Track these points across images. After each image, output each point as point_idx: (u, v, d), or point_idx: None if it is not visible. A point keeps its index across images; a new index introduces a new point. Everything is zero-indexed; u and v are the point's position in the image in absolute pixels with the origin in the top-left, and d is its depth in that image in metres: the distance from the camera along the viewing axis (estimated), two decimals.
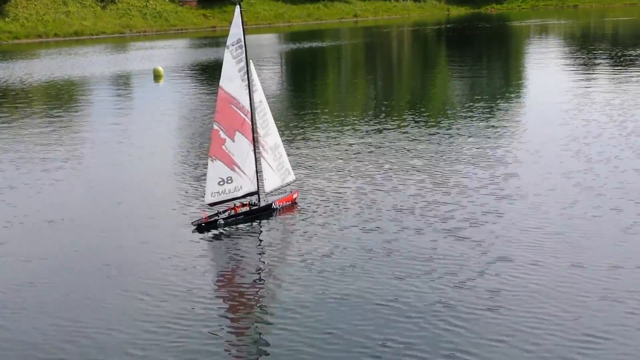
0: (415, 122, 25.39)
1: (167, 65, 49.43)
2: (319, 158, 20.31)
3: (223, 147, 15.03)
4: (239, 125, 15.09)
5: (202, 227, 14.62)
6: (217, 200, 15.16)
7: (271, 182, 15.69)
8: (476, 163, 18.73)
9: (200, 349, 9.73)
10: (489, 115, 25.99)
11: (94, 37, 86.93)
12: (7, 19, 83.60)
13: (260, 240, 14.35)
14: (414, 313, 10.38)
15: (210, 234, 14.41)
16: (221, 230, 14.57)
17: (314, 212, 15.29)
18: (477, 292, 10.96)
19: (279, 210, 15.52)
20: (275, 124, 15.97)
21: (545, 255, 12.29)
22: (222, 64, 15.08)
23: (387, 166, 18.88)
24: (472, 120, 25.14)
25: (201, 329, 10.29)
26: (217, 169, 15.03)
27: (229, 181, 15.16)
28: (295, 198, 16.03)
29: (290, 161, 16.38)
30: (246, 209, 15.40)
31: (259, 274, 12.49)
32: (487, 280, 11.39)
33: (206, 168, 15.38)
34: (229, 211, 15.21)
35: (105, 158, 22.06)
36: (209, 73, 45.16)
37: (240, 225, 14.89)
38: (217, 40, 74.71)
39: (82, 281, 12.32)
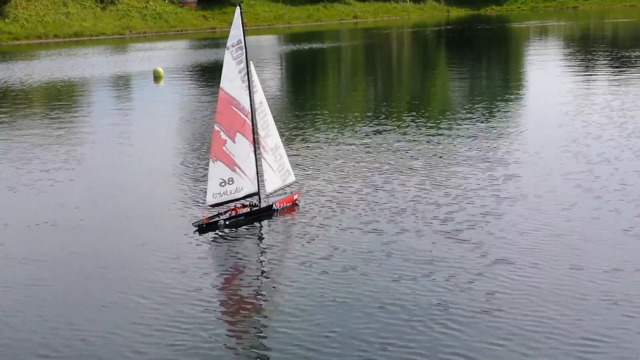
0: (415, 123, 25.41)
1: (167, 66, 49.48)
2: (319, 159, 20.33)
3: (224, 148, 15.05)
4: (240, 126, 15.11)
5: (203, 228, 14.64)
6: (219, 202, 15.18)
7: (272, 183, 15.71)
8: (476, 164, 18.75)
9: (200, 351, 9.74)
10: (488, 117, 26.01)
11: (94, 38, 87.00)
12: (7, 20, 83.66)
13: (261, 241, 14.37)
14: (413, 315, 10.40)
15: (211, 235, 14.42)
16: (222, 232, 14.59)
17: (315, 213, 15.31)
18: (476, 295, 10.97)
19: (280, 211, 15.54)
20: (276, 124, 15.99)
21: (545, 258, 12.30)
22: (222, 65, 15.10)
23: (387, 167, 18.89)
24: (471, 121, 25.16)
25: (201, 331, 10.30)
26: (218, 170, 15.05)
27: (230, 182, 15.18)
28: (296, 199, 16.05)
29: (290, 162, 16.40)
30: (247, 210, 15.42)
31: (259, 275, 12.50)
32: (486, 283, 11.40)
33: (206, 169, 15.41)
34: (230, 212, 15.23)
35: (105, 159, 22.07)
36: (209, 74, 45.20)
37: (241, 226, 14.92)
38: (217, 41, 74.78)
39: (82, 282, 12.33)
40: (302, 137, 23.80)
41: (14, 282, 12.46)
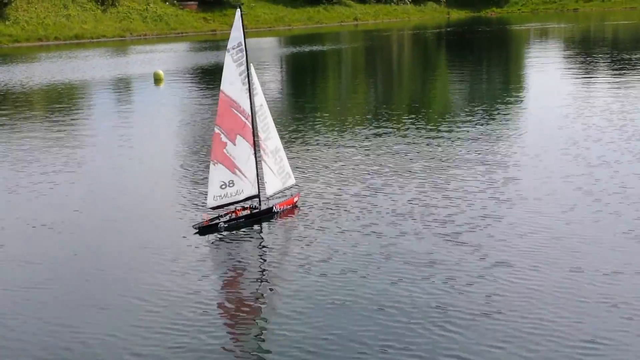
0: (415, 126, 25.43)
1: (168, 68, 49.50)
2: (319, 162, 20.35)
3: (224, 150, 15.07)
4: (240, 128, 15.13)
5: (203, 230, 14.65)
6: (220, 204, 15.20)
7: (272, 185, 15.72)
8: (476, 167, 18.76)
9: (199, 353, 9.75)
10: (488, 119, 26.02)
11: (95, 40, 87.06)
12: (7, 22, 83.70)
13: (261, 244, 14.38)
14: (413, 318, 10.40)
15: (211, 237, 14.43)
16: (222, 234, 14.60)
17: (314, 215, 15.32)
18: (476, 297, 10.98)
19: (280, 213, 15.56)
20: (276, 127, 16.01)
21: (544, 260, 12.31)
22: (222, 67, 15.11)
23: (386, 170, 18.91)
24: (471, 124, 25.18)
25: (200, 333, 10.31)
26: (219, 172, 15.07)
27: (231, 185, 15.20)
28: (296, 201, 16.07)
29: (290, 165, 16.41)
30: (247, 212, 15.44)
31: (258, 277, 12.51)
32: (486, 285, 11.40)
33: (206, 171, 15.43)
34: (230, 214, 15.25)
35: (106, 161, 22.08)
36: (210, 76, 45.24)
37: (241, 229, 14.93)
38: (218, 43, 74.82)
39: (82, 284, 12.34)
40: (302, 139, 23.82)
41: (13, 284, 12.47)
